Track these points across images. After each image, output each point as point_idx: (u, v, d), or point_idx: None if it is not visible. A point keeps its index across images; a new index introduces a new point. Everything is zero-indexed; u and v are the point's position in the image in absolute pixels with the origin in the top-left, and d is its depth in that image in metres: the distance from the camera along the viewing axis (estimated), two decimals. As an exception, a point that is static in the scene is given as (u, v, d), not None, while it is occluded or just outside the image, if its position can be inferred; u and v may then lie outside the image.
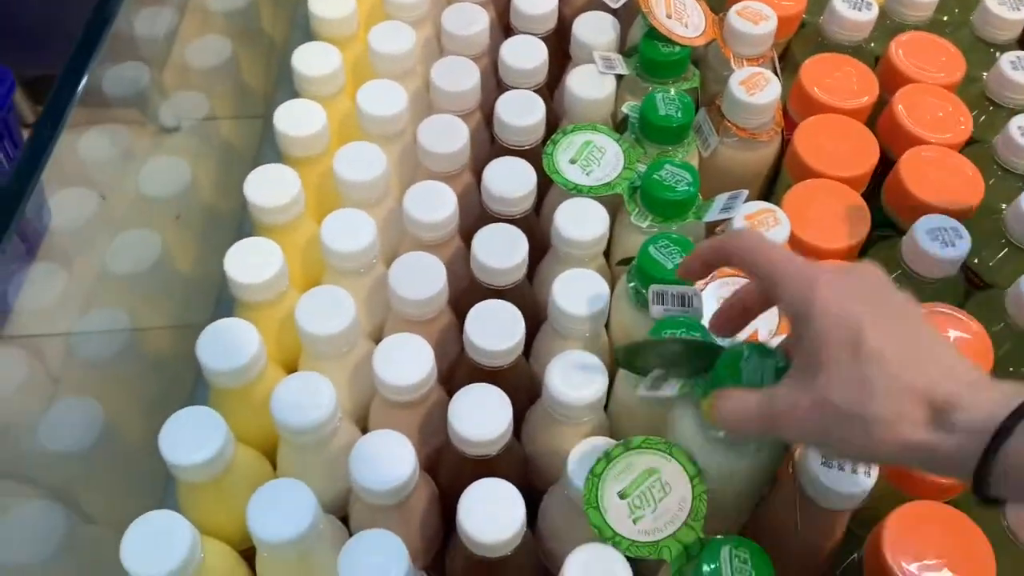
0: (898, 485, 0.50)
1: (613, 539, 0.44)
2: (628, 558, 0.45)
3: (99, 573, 0.53)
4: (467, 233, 0.61)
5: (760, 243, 0.41)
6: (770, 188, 0.68)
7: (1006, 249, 0.61)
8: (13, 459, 0.50)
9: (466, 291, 0.60)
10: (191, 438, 0.47)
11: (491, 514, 0.46)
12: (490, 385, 0.50)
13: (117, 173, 0.63)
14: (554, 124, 0.68)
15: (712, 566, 0.43)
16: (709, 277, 0.54)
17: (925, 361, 0.36)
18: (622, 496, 0.45)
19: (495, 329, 0.52)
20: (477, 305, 0.53)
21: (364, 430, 0.56)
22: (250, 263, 0.55)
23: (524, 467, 0.55)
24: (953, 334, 0.54)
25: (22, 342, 0.51)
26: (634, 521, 0.45)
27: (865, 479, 0.45)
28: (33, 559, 0.48)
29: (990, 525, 0.47)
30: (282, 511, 0.46)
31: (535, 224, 0.63)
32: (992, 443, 0.33)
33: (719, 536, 0.44)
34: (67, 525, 0.49)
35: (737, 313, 0.45)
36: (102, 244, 0.59)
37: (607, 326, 0.58)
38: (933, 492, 0.49)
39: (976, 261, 0.61)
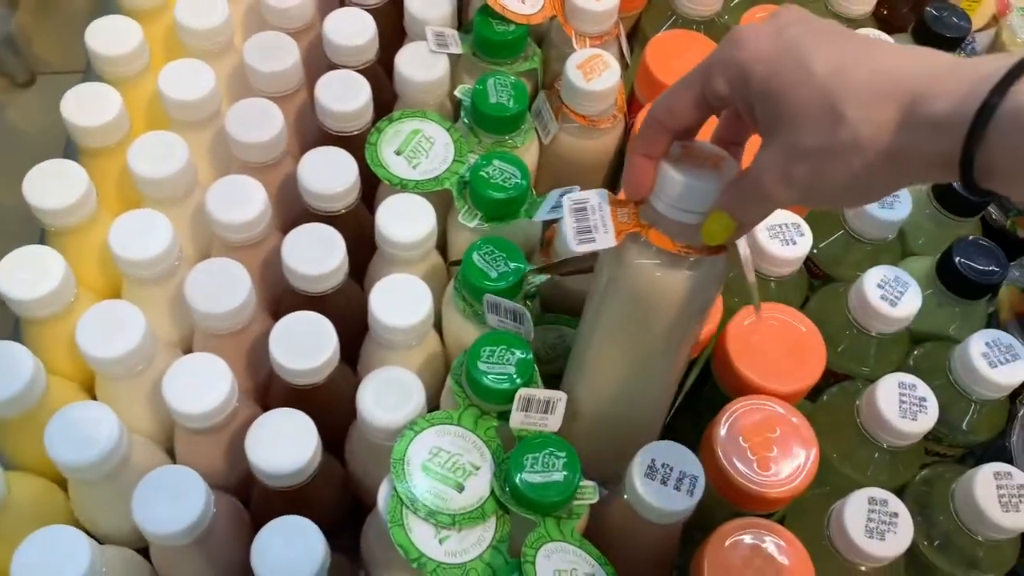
0: (727, 497, 0.48)
1: (419, 560, 0.42)
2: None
3: None
4: (289, 229, 0.56)
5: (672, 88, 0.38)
6: (615, 175, 0.65)
7: (843, 240, 0.60)
8: None
9: (284, 296, 0.55)
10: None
11: (286, 559, 0.42)
12: (294, 410, 0.46)
13: None
14: (391, 107, 0.62)
15: None
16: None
17: (888, 58, 0.31)
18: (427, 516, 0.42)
19: (305, 344, 0.48)
20: (285, 318, 0.49)
21: (172, 451, 0.52)
22: (27, 276, 0.49)
23: (344, 488, 0.52)
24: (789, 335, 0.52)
25: None
26: (440, 542, 0.42)
27: (687, 498, 0.43)
28: None
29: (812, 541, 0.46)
30: (53, 564, 0.41)
31: (365, 218, 0.58)
32: (976, 122, 0.29)
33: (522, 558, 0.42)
34: None
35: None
36: None
37: (441, 329, 0.54)
38: (761, 505, 0.48)
39: (815, 251, 0.60)
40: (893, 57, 0.32)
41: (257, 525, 0.49)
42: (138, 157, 0.53)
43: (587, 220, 0.40)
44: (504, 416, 0.46)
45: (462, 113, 0.58)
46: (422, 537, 0.42)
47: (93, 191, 0.53)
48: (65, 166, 0.52)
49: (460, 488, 0.44)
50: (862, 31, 0.65)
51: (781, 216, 0.55)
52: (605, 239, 0.39)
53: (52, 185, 0.52)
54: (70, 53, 0.75)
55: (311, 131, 0.62)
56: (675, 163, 0.38)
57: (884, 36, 0.65)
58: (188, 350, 0.54)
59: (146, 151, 0.53)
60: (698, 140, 0.40)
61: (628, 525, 0.45)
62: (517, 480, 0.43)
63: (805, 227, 0.54)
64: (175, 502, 0.43)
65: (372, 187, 0.59)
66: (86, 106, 0.55)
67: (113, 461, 0.45)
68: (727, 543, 0.45)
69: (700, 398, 0.55)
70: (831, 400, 0.55)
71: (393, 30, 0.65)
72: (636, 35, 0.71)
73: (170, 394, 0.46)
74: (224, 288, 0.49)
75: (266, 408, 0.51)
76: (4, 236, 0.63)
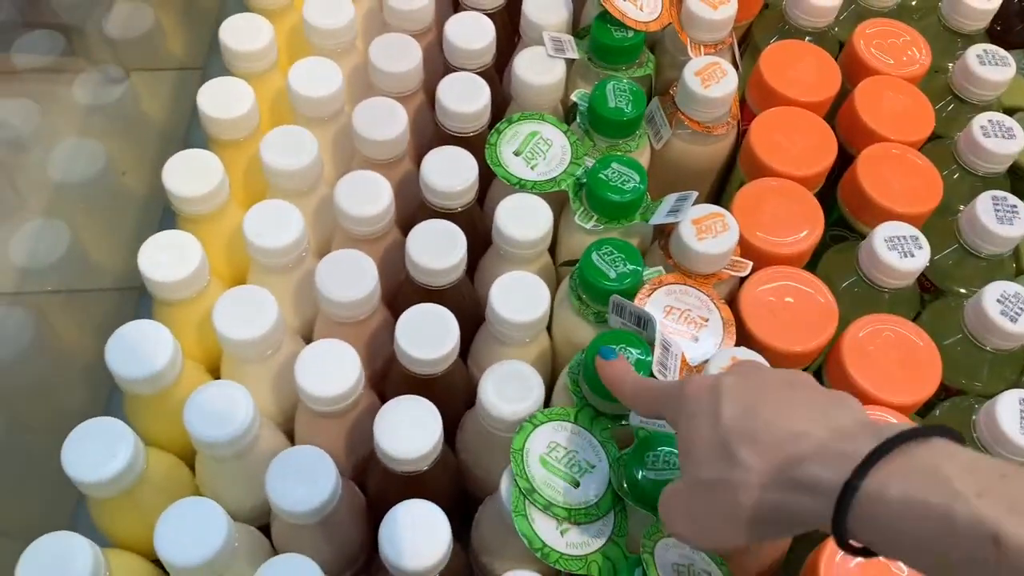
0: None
1: (542, 551, 0.43)
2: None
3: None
4: (406, 225, 0.58)
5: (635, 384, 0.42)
6: (723, 183, 0.65)
7: (958, 253, 0.59)
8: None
9: (402, 289, 0.57)
10: (97, 451, 0.44)
11: (414, 540, 0.43)
12: (419, 397, 0.48)
13: (25, 147, 0.58)
14: (503, 109, 0.64)
15: None
16: (653, 286, 0.51)
17: (787, 418, 0.34)
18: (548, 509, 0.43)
19: (428, 336, 0.49)
20: (409, 309, 0.50)
21: (291, 434, 0.54)
22: (166, 259, 0.51)
23: (458, 476, 0.53)
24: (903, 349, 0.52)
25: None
26: (561, 533, 0.43)
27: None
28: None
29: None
30: (193, 532, 0.43)
31: (478, 217, 0.60)
32: (839, 504, 0.31)
33: (642, 549, 0.42)
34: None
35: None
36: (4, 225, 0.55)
37: (550, 327, 0.55)
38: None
39: (927, 265, 0.59)
40: (791, 419, 0.34)
41: (374, 509, 0.51)
42: (271, 149, 0.55)
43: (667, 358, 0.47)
44: (620, 417, 0.47)
45: (577, 117, 0.59)
46: (544, 528, 0.43)
47: (227, 181, 0.55)
48: (202, 156, 0.55)
49: (576, 484, 0.45)
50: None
51: (899, 228, 0.55)
52: None
53: (189, 174, 0.54)
54: (191, 49, 0.78)
55: (425, 131, 0.64)
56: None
57: (999, 52, 0.64)
58: (308, 339, 0.56)
59: (278, 144, 0.56)
60: None
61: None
62: (638, 476, 0.43)
63: (923, 240, 0.54)
64: (307, 482, 0.45)
65: (482, 188, 0.60)
66: (220, 99, 0.57)
67: (246, 440, 0.47)
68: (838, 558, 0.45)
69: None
70: (943, 415, 0.54)
71: (503, 34, 0.67)
72: (746, 44, 0.71)
73: (302, 377, 0.48)
74: (353, 278, 0.51)
75: (382, 396, 0.53)
76: (128, 221, 0.66)
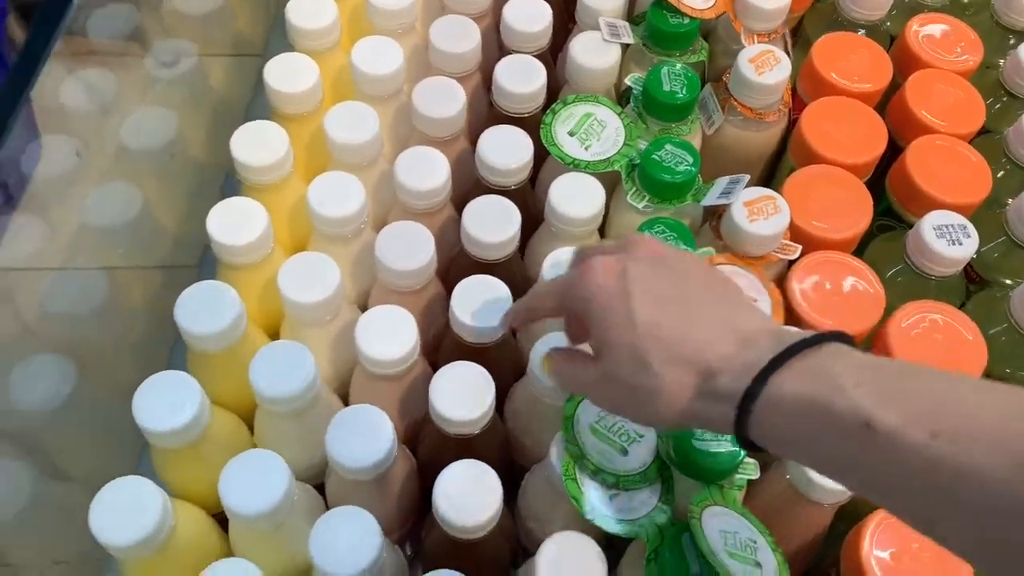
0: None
1: (592, 514, 0.44)
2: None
3: (71, 531, 0.52)
4: (459, 202, 0.60)
5: (541, 285, 0.45)
6: (772, 170, 0.66)
7: (1006, 245, 0.60)
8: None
9: (455, 262, 0.58)
10: (166, 404, 0.46)
11: (468, 497, 0.45)
12: (473, 363, 0.49)
13: (101, 118, 0.60)
14: (555, 92, 0.65)
15: (672, 555, 0.42)
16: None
17: (698, 327, 0.36)
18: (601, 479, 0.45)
19: (482, 305, 0.51)
20: (465, 280, 0.52)
21: (344, 398, 0.56)
22: (233, 224, 0.53)
23: (506, 444, 0.55)
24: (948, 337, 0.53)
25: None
26: (610, 499, 0.45)
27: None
28: (2, 514, 0.47)
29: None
30: (255, 483, 0.45)
31: (529, 195, 0.61)
32: (740, 410, 0.34)
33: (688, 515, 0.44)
34: (39, 481, 0.48)
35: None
36: (83, 194, 0.57)
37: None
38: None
39: (974, 255, 0.60)
40: (702, 328, 0.36)
41: (424, 472, 0.53)
42: (335, 124, 0.57)
43: None
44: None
45: (631, 100, 0.61)
46: (593, 493, 0.45)
47: (291, 152, 0.57)
48: (269, 128, 0.57)
49: (624, 452, 0.46)
50: None
51: (948, 217, 0.55)
52: None
53: (257, 144, 0.56)
54: (252, 33, 0.80)
55: (480, 112, 0.65)
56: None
57: None
58: (363, 308, 0.58)
59: (342, 119, 0.57)
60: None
61: (787, 504, 0.47)
62: (687, 446, 0.45)
63: (972, 229, 0.55)
64: (366, 439, 0.47)
65: (534, 168, 0.61)
66: (286, 74, 0.59)
67: (308, 397, 0.49)
68: (889, 520, 0.46)
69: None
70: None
71: (557, 19, 0.68)
72: (797, 36, 0.72)
73: (363, 340, 0.49)
74: (412, 249, 0.53)
75: (434, 364, 0.55)
76: (197, 190, 0.68)
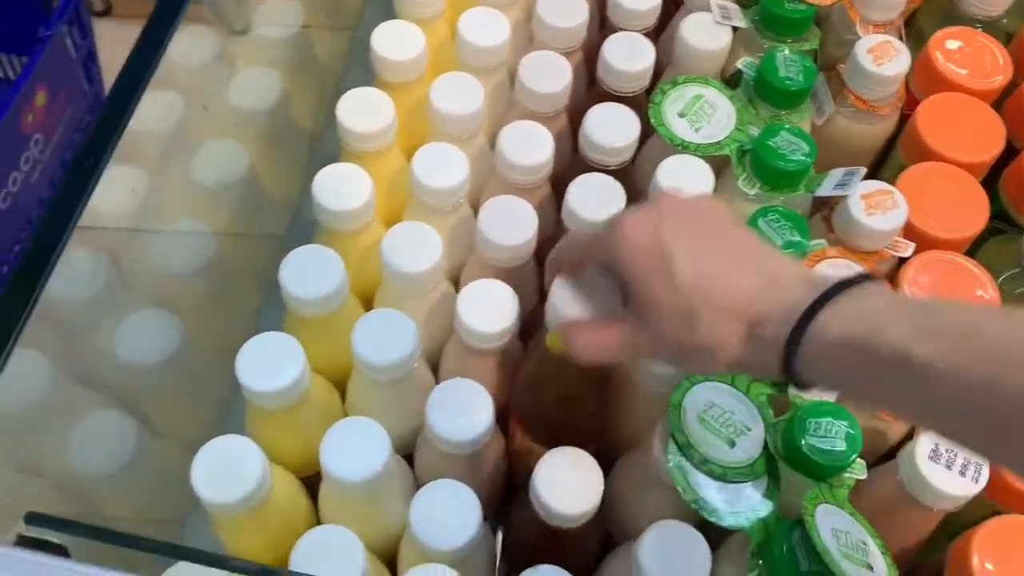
0: (993, 496, 0.47)
1: (697, 502, 0.43)
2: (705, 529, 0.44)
3: (163, 485, 0.52)
4: (553, 180, 0.59)
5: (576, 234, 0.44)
6: (878, 166, 0.64)
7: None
8: (87, 366, 0.49)
9: (551, 241, 0.57)
10: (270, 364, 0.46)
11: (567, 484, 0.44)
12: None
13: (201, 78, 0.60)
14: (655, 72, 0.64)
15: (783, 550, 0.41)
16: (817, 258, 0.51)
17: (738, 277, 0.37)
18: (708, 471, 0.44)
19: (580, 289, 0.50)
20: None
21: (434, 371, 0.55)
22: (339, 190, 0.53)
23: (600, 432, 0.54)
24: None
25: (99, 242, 0.49)
26: (715, 490, 0.44)
27: (971, 484, 0.43)
28: (103, 470, 0.47)
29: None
30: (356, 450, 0.45)
31: (630, 176, 0.60)
32: (786, 353, 0.35)
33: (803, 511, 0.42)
34: (138, 437, 0.48)
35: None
36: (185, 149, 0.57)
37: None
38: None
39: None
40: (742, 278, 0.37)
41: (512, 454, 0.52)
42: (441, 94, 0.56)
43: None
44: (776, 385, 0.47)
45: (741, 85, 0.59)
46: (699, 483, 0.44)
47: (396, 121, 0.56)
48: (374, 95, 0.56)
49: (732, 444, 0.45)
50: None
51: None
52: None
53: (363, 111, 0.55)
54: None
55: (579, 90, 0.64)
56: (570, 281, 0.43)
57: None
58: (454, 282, 0.57)
59: (448, 89, 0.57)
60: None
61: (895, 506, 0.45)
62: (800, 442, 0.43)
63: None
64: (466, 413, 0.46)
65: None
66: (393, 42, 0.59)
67: (408, 366, 0.48)
68: (999, 532, 0.45)
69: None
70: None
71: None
72: (910, 28, 0.70)
73: (464, 312, 0.49)
74: (514, 224, 0.52)
75: (527, 345, 0.54)
76: (291, 158, 0.68)
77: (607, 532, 0.52)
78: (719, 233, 0.39)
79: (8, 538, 0.31)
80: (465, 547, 0.43)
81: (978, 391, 0.30)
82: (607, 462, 0.52)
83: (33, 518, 0.31)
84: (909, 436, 0.50)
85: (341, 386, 0.54)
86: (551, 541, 0.46)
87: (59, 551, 0.31)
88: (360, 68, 0.69)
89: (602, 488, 0.45)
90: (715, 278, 0.37)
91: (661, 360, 0.41)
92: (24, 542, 0.31)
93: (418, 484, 0.51)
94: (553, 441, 0.47)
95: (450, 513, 0.44)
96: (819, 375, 0.35)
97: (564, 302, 0.43)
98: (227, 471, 0.44)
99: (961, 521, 0.47)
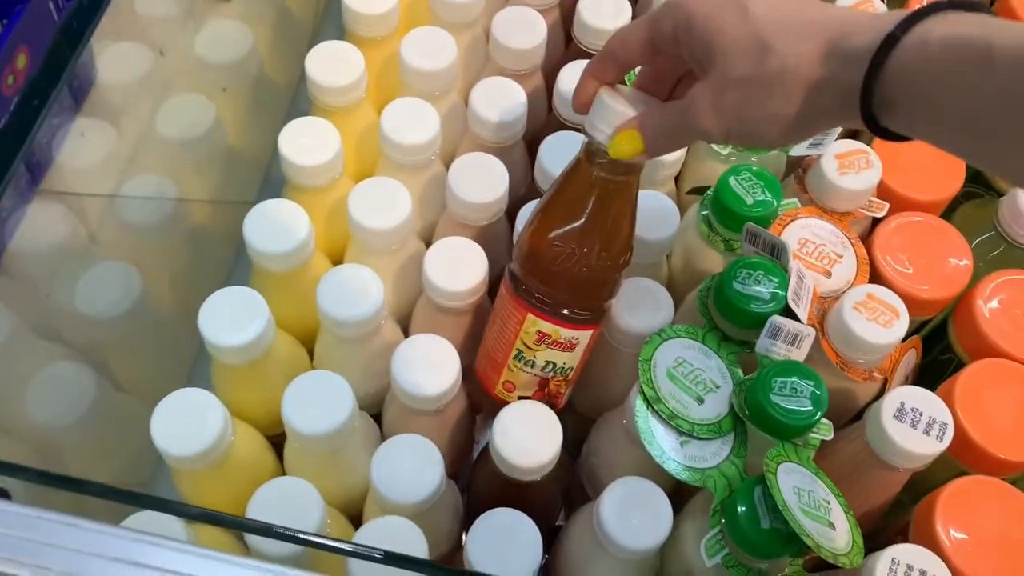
0: (957, 456, 0.47)
1: (661, 458, 0.43)
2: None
3: (125, 441, 0.52)
4: (528, 139, 0.58)
5: (621, 31, 0.40)
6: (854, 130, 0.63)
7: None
8: (47, 318, 0.48)
9: (523, 200, 0.56)
10: (233, 319, 0.46)
11: (527, 435, 0.44)
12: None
13: (171, 30, 0.59)
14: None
15: (743, 507, 0.41)
16: (789, 218, 0.50)
17: (813, 11, 0.34)
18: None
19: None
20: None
21: (404, 330, 0.55)
22: (306, 144, 0.52)
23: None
24: (1038, 307, 0.51)
25: (63, 198, 0.49)
26: (681, 445, 0.44)
27: (936, 443, 0.43)
28: (62, 421, 0.46)
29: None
30: (319, 404, 0.44)
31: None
32: (878, 52, 0.31)
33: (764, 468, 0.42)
34: (97, 390, 0.47)
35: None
36: (150, 104, 0.56)
37: (670, 253, 0.55)
38: (992, 467, 0.47)
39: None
40: (825, 8, 0.34)
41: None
42: (412, 49, 0.55)
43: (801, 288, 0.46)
44: (746, 344, 0.47)
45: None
46: (665, 438, 0.43)
47: (366, 75, 0.55)
48: (345, 49, 0.55)
49: (700, 401, 0.45)
50: None
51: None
52: (803, 314, 0.45)
53: (332, 65, 0.54)
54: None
55: (556, 49, 0.63)
56: (609, 91, 0.40)
57: None
58: (427, 241, 0.57)
59: (419, 44, 0.56)
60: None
61: (861, 466, 0.45)
62: (764, 400, 0.43)
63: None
64: (432, 369, 0.46)
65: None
66: (364, -3, 0.58)
67: (375, 322, 0.48)
68: (963, 493, 0.45)
69: (934, 360, 0.54)
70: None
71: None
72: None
73: (431, 271, 0.48)
74: (486, 183, 0.51)
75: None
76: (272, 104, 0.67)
77: (583, 488, 0.52)
78: None
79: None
80: (426, 500, 0.43)
81: None
82: (585, 424, 0.53)
83: (-26, 462, 0.31)
84: (878, 398, 0.50)
85: (309, 344, 0.53)
86: (510, 495, 0.46)
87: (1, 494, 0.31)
88: (333, 25, 0.68)
89: (559, 444, 0.44)
90: (792, 8, 0.34)
91: (726, 112, 0.36)
92: (-33, 487, 0.31)
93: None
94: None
95: (413, 467, 0.44)
96: (915, 91, 0.31)
97: (620, 103, 0.40)
98: (187, 424, 0.43)
99: (926, 482, 0.47)
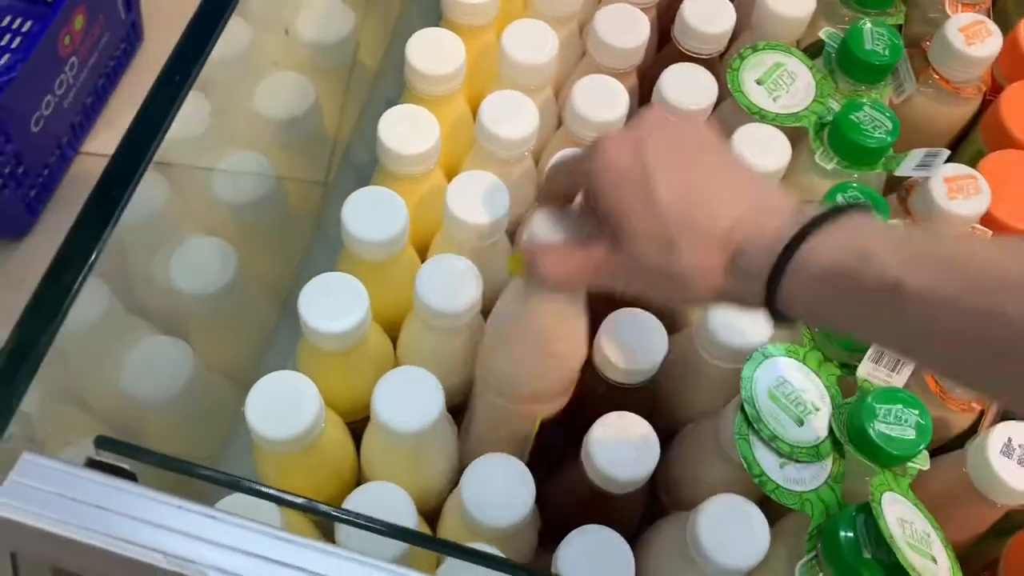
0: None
1: (760, 478, 0.42)
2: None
3: (207, 418, 0.52)
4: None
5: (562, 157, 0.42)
6: (953, 151, 0.62)
7: None
8: (143, 295, 0.48)
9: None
10: (334, 305, 0.45)
11: (622, 448, 0.44)
12: (646, 313, 0.47)
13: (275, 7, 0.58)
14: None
15: (847, 534, 0.40)
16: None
17: (721, 204, 0.35)
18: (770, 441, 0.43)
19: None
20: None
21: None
22: (404, 132, 0.51)
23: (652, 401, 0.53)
24: None
25: (165, 170, 0.48)
26: (780, 466, 0.43)
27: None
28: (155, 397, 0.46)
29: None
30: (408, 400, 0.44)
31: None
32: (769, 284, 0.34)
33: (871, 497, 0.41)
34: (191, 367, 0.47)
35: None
36: (253, 82, 0.55)
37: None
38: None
39: None
40: (725, 204, 0.35)
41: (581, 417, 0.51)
42: (513, 41, 0.54)
43: None
44: (846, 367, 0.46)
45: (822, 56, 0.57)
46: (764, 458, 0.43)
47: (465, 65, 0.54)
48: (445, 37, 0.54)
49: (800, 422, 0.44)
50: None
51: None
52: None
53: (432, 53, 0.54)
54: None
55: (650, 50, 0.62)
56: (550, 214, 0.41)
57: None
58: (510, 235, 0.56)
59: (520, 37, 0.55)
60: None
61: (957, 498, 0.45)
62: (868, 427, 0.42)
63: None
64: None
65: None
66: (466, -16, 0.57)
67: (471, 314, 0.47)
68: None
69: None
70: None
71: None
72: (994, 12, 0.67)
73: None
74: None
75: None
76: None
77: (656, 498, 0.51)
78: (704, 156, 0.37)
79: (78, 460, 0.30)
80: (517, 523, 0.43)
81: (977, 321, 0.29)
82: (666, 435, 0.52)
83: (104, 442, 0.30)
84: (973, 428, 0.49)
85: (391, 332, 0.53)
86: (598, 504, 0.46)
87: (128, 476, 0.31)
88: (420, 9, 0.67)
89: (657, 456, 0.44)
90: (697, 204, 0.35)
91: (634, 288, 0.38)
92: (94, 465, 0.30)
93: (468, 438, 0.50)
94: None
95: (501, 487, 0.43)
96: (803, 307, 0.34)
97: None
98: (283, 407, 0.43)
99: (1017, 517, 0.46)
